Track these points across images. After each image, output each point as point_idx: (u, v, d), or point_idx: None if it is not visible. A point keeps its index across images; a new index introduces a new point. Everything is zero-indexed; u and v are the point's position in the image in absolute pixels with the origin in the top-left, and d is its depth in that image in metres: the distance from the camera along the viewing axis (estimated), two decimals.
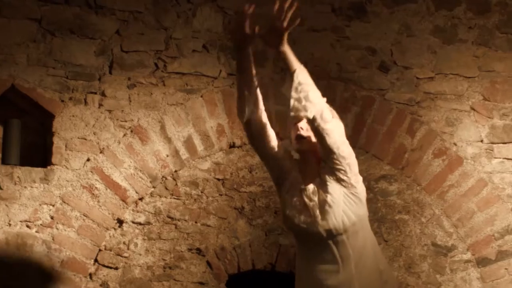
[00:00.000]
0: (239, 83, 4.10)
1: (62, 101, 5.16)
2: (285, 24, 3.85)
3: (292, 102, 3.87)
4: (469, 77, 5.86)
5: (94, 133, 5.20)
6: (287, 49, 3.91)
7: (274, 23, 3.85)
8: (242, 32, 3.92)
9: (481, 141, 5.82)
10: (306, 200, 4.03)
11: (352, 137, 5.33)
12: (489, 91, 5.87)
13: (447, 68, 5.83)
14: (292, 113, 3.88)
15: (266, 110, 5.21)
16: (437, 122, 5.76)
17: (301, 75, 3.90)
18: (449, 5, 5.89)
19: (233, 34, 4.02)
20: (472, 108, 5.84)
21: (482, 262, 5.69)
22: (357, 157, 5.26)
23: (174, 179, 5.31)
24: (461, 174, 5.73)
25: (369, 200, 5.27)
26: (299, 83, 3.89)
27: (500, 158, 5.83)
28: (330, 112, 3.96)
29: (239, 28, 3.92)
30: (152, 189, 5.27)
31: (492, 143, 5.83)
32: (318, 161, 4.08)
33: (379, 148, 5.63)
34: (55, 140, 5.12)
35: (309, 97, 3.89)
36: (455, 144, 5.76)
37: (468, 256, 5.68)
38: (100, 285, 5.13)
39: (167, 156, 5.31)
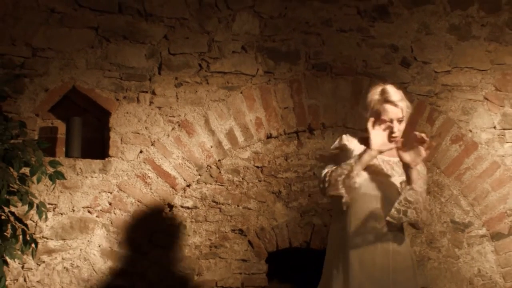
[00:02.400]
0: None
1: (117, 99, 5.13)
2: (427, 152, 3.93)
3: (393, 210, 3.92)
4: (482, 70, 5.77)
5: (146, 128, 5.16)
6: (418, 168, 3.95)
7: (418, 146, 3.92)
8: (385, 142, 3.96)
9: (494, 127, 5.73)
10: None
11: None
12: (501, 82, 5.78)
13: (462, 62, 5.75)
14: (388, 218, 3.94)
15: (299, 103, 5.37)
16: (454, 111, 5.68)
17: (410, 192, 3.94)
18: (463, 5, 5.79)
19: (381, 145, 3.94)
20: (486, 98, 5.75)
21: (496, 236, 5.63)
22: None
23: (217, 168, 5.27)
24: (476, 158, 5.65)
25: None
26: (405, 199, 3.93)
27: (511, 142, 5.75)
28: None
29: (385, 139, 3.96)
30: (198, 176, 5.23)
31: (504, 129, 5.75)
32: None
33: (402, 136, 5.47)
34: (112, 134, 5.10)
35: (408, 214, 3.94)
36: (470, 130, 5.68)
37: (483, 231, 5.63)
38: (154, 263, 5.10)
39: (211, 147, 5.25)
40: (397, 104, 3.99)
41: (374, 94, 4.07)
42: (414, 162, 3.91)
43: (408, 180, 3.94)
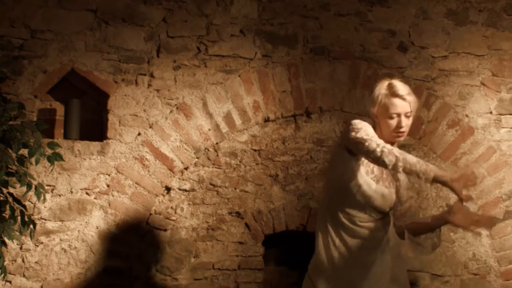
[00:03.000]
0: None
1: (116, 82, 5.13)
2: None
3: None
4: (479, 55, 5.73)
5: (144, 110, 5.15)
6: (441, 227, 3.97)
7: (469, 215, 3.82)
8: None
9: (490, 112, 5.71)
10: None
11: None
12: (497, 68, 5.75)
13: (460, 47, 5.71)
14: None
15: (296, 87, 5.38)
16: (451, 96, 5.66)
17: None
18: None
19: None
20: (482, 83, 5.72)
21: None
22: None
23: (215, 150, 5.27)
24: (472, 143, 5.64)
25: None
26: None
27: (507, 127, 5.73)
28: None
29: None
30: (196, 159, 5.23)
31: (500, 114, 5.72)
32: None
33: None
34: (110, 117, 5.10)
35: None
36: (467, 115, 5.66)
37: None
38: (151, 245, 5.12)
39: (209, 130, 5.25)
40: (405, 98, 3.92)
41: (381, 88, 3.97)
42: (453, 221, 3.82)
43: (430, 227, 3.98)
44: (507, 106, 5.71)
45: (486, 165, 5.61)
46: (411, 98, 3.95)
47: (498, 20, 5.76)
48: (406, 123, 3.93)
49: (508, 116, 5.71)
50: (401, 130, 3.92)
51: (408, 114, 3.93)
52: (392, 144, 3.94)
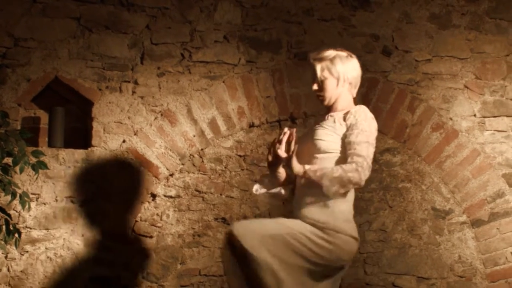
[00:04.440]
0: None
1: (100, 89, 5.09)
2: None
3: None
4: (462, 59, 5.75)
5: (129, 117, 5.13)
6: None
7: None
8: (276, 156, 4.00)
9: (474, 115, 5.73)
10: None
11: None
12: (481, 71, 5.77)
13: (443, 50, 5.72)
14: None
15: (281, 92, 5.37)
16: (435, 100, 5.67)
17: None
18: None
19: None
20: (466, 86, 5.74)
21: (476, 223, 5.65)
22: None
23: (200, 157, 5.25)
24: (456, 146, 5.65)
25: (375, 171, 5.42)
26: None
27: (491, 130, 5.75)
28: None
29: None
30: (181, 166, 5.21)
31: (484, 117, 5.74)
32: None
33: (383, 124, 5.51)
34: (94, 124, 5.06)
35: None
36: (451, 118, 5.67)
37: (463, 218, 5.65)
38: (137, 253, 5.10)
39: (194, 136, 5.23)
40: (311, 64, 4.11)
41: None
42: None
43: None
44: (490, 109, 5.73)
45: (470, 168, 5.63)
46: (318, 64, 4.10)
47: (481, 23, 5.78)
48: (315, 88, 4.07)
49: (492, 118, 5.73)
50: (317, 94, 4.10)
51: (316, 79, 4.08)
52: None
